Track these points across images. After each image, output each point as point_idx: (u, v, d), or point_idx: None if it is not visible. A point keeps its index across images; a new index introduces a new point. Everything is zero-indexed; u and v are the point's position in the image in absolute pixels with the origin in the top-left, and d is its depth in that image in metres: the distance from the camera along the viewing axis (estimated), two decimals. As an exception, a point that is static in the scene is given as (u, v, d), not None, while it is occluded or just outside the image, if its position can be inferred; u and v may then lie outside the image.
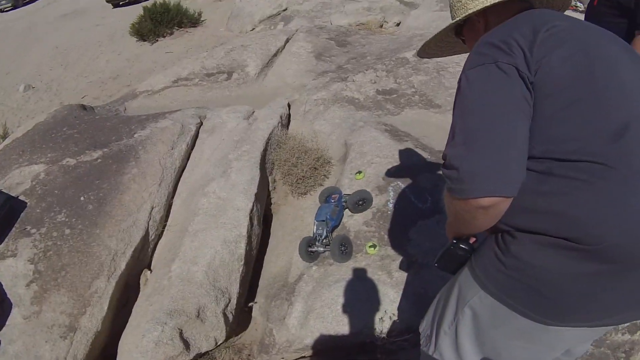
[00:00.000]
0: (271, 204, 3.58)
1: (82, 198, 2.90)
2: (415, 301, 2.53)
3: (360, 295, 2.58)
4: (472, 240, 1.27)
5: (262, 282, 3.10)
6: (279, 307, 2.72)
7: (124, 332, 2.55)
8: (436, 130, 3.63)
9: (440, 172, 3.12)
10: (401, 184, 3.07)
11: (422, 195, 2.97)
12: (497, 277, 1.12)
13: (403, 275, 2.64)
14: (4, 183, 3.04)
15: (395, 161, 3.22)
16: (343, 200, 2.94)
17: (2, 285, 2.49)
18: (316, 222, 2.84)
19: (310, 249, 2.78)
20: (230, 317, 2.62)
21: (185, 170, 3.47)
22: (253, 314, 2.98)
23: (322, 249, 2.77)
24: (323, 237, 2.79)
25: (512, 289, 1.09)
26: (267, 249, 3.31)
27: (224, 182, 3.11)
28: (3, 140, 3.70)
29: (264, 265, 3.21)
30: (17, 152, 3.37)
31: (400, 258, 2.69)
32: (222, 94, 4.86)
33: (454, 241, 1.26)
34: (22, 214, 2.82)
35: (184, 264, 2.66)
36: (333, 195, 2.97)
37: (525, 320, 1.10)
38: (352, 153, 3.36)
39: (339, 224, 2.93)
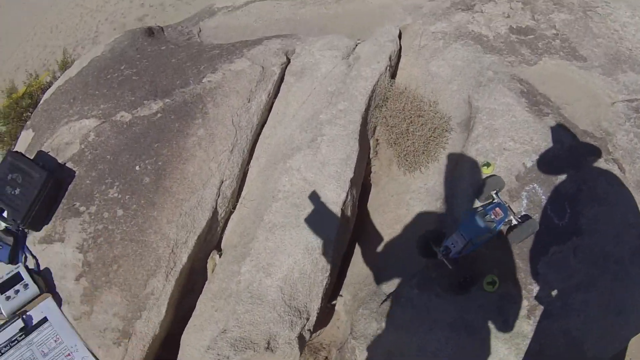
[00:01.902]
0: (371, 172, 2.94)
1: (137, 167, 2.39)
2: (529, 364, 2.07)
3: (466, 347, 2.12)
4: None
5: (351, 273, 2.68)
6: (366, 319, 2.35)
7: (184, 334, 2.24)
8: (580, 95, 2.81)
9: (587, 173, 2.40)
10: (538, 187, 2.40)
11: (560, 205, 2.33)
12: None
13: (520, 325, 2.20)
14: (52, 142, 2.64)
15: (532, 149, 2.48)
16: (504, 221, 2.20)
17: (51, 275, 2.24)
18: (460, 234, 2.15)
19: (434, 247, 2.19)
20: (308, 335, 2.23)
21: (265, 126, 2.81)
22: (337, 308, 2.66)
23: (442, 259, 2.16)
24: (452, 254, 2.15)
25: None
26: (361, 235, 2.74)
27: (311, 157, 2.47)
28: (62, 72, 3.14)
29: (354, 253, 2.72)
30: (68, 100, 2.88)
31: (521, 301, 2.21)
32: (317, 11, 3.78)
33: None
34: (70, 186, 2.44)
35: (257, 271, 2.21)
36: (496, 209, 2.20)
37: None
38: (478, 126, 2.60)
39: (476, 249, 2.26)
